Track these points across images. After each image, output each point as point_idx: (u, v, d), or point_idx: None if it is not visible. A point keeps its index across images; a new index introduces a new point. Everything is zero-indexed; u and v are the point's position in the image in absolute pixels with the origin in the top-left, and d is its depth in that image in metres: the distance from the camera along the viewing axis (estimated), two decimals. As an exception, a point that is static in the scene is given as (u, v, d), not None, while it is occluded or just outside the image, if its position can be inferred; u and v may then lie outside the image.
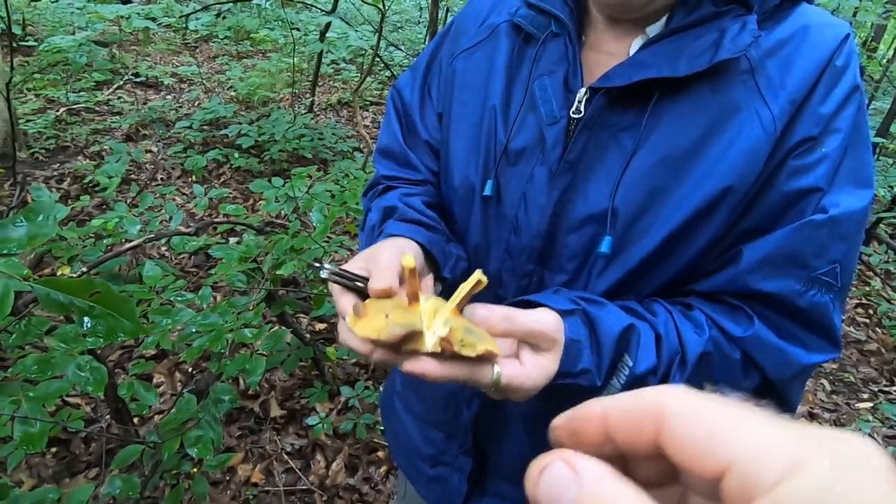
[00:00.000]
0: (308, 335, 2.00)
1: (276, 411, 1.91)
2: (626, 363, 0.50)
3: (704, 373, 0.53)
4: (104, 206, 2.68)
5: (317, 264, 0.48)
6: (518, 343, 0.47)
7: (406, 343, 0.42)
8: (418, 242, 0.56)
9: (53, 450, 1.66)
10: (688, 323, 0.54)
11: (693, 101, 0.53)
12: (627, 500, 0.16)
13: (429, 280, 0.57)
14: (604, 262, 0.57)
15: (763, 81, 0.52)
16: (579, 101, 0.56)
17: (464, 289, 0.43)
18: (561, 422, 0.22)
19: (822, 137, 0.51)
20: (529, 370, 0.45)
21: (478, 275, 0.43)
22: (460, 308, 0.44)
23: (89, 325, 0.54)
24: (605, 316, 0.51)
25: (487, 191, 0.61)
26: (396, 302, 0.45)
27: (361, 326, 0.43)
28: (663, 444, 0.18)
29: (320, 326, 2.30)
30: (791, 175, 0.52)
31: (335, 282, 0.48)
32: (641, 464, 0.19)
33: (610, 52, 0.59)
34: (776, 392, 0.55)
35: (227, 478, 1.69)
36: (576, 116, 0.56)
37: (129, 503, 1.23)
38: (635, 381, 0.50)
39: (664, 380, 0.51)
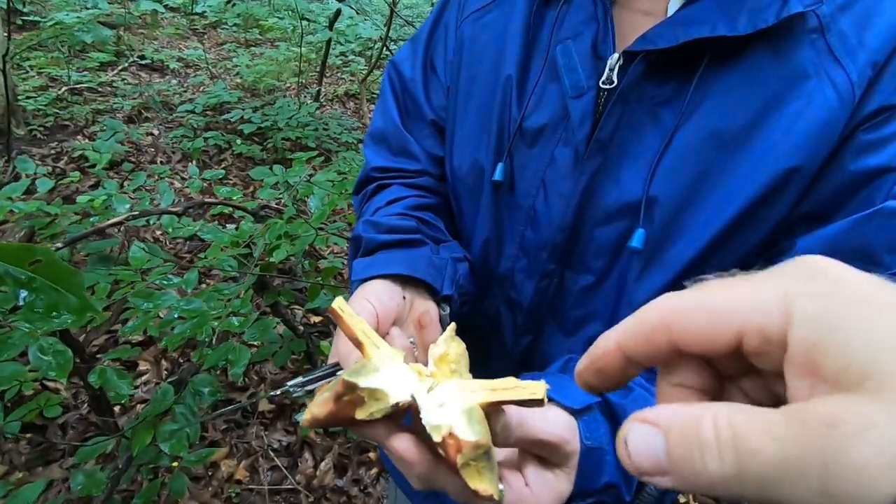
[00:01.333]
0: (302, 327, 1.91)
1: (264, 405, 1.83)
2: None
3: None
4: (98, 186, 2.60)
5: (280, 391, 0.38)
6: (521, 452, 0.36)
7: (358, 409, 0.30)
8: (392, 275, 0.47)
9: (28, 436, 1.58)
10: None
11: (749, 68, 0.44)
12: (709, 417, 0.17)
13: (423, 308, 0.46)
14: (640, 262, 0.47)
15: (836, 41, 0.43)
16: (611, 69, 0.47)
17: (516, 391, 0.30)
18: (582, 367, 0.24)
19: None
20: (537, 494, 0.35)
21: (540, 389, 0.30)
22: (493, 406, 0.31)
23: (25, 298, 0.46)
24: (633, 409, 0.38)
25: (497, 175, 0.52)
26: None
27: (308, 409, 0.32)
28: (682, 347, 0.20)
29: (315, 319, 2.22)
30: (861, 151, 0.43)
31: (309, 392, 0.39)
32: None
33: (645, 10, 0.50)
34: None
35: (210, 473, 1.61)
36: (606, 87, 0.47)
37: (101, 497, 1.15)
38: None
39: None
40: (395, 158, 0.63)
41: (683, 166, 0.45)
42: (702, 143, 0.44)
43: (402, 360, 0.33)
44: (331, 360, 0.41)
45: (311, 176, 1.73)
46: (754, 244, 0.46)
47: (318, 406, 0.30)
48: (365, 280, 0.47)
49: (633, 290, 0.48)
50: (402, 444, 0.30)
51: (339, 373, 0.36)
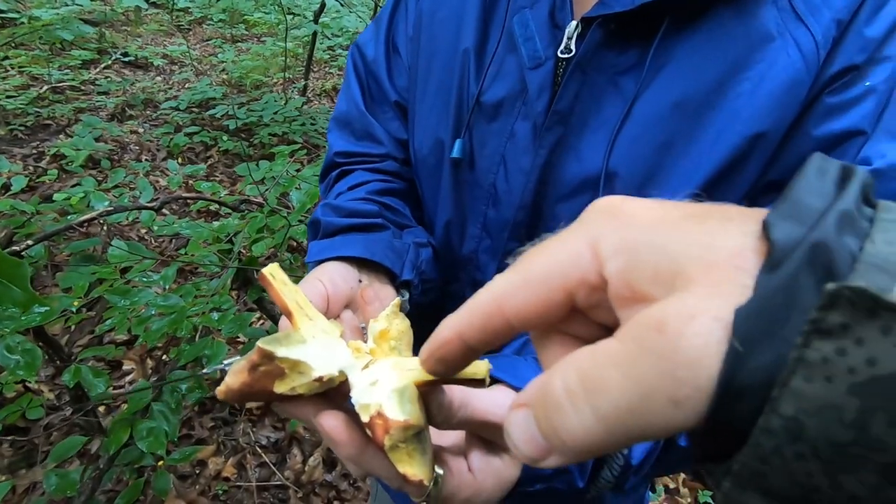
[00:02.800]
0: (288, 323, 1.90)
1: (251, 402, 1.82)
2: (620, 451, 0.38)
3: None
4: (78, 185, 2.56)
5: (214, 368, 0.36)
6: (468, 436, 0.35)
7: (277, 381, 0.27)
8: (348, 258, 0.45)
9: (10, 438, 1.56)
10: None
11: (711, 31, 0.43)
12: (558, 373, 0.17)
13: (374, 291, 0.44)
14: None
15: (800, 1, 0.42)
16: (569, 38, 0.46)
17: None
18: (425, 356, 0.23)
19: (866, 67, 0.41)
20: (480, 480, 0.33)
21: (481, 368, 0.28)
22: (430, 385, 0.28)
23: (-34, 291, 0.44)
24: None
25: (455, 152, 0.51)
26: None
27: (224, 380, 0.29)
28: (521, 326, 0.20)
29: (303, 315, 2.20)
30: (825, 115, 0.41)
31: None
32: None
33: None
34: None
35: (197, 471, 1.60)
36: (564, 56, 0.46)
37: (81, 497, 1.14)
38: (630, 473, 0.38)
39: (668, 447, 0.39)
40: (358, 143, 0.61)
41: (645, 136, 0.44)
42: (663, 112, 0.43)
43: (338, 334, 0.31)
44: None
45: (297, 171, 1.71)
46: None
47: (233, 376, 0.27)
48: (320, 262, 0.45)
49: None
50: (331, 423, 0.28)
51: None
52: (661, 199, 0.19)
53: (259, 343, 0.27)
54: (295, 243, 2.47)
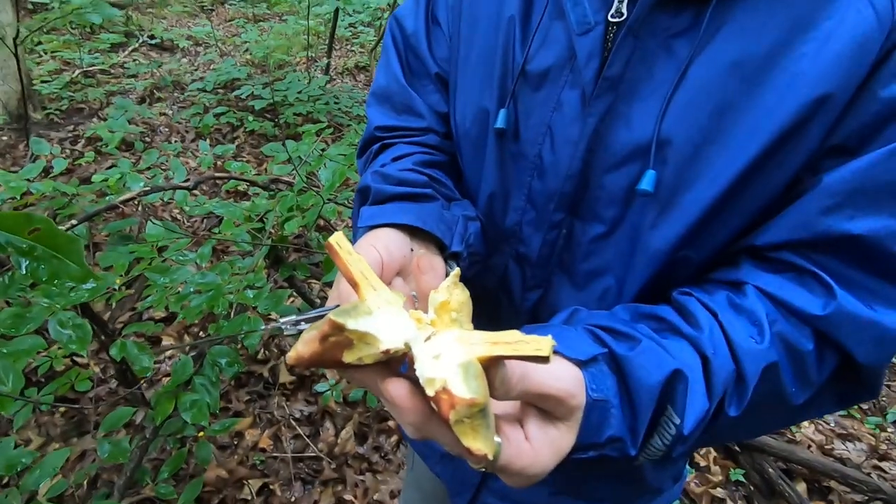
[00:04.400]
0: (318, 301, 1.93)
1: (285, 377, 1.87)
2: (671, 419, 0.37)
3: (766, 387, 0.40)
4: (114, 167, 2.63)
5: (278, 323, 0.37)
6: (523, 405, 0.35)
7: (346, 351, 0.28)
8: (400, 225, 0.45)
9: (62, 409, 1.65)
10: (739, 323, 0.40)
11: None
12: None
13: (429, 261, 0.44)
14: (655, 208, 0.44)
15: None
16: (620, 1, 0.44)
17: (519, 345, 0.28)
18: None
19: None
20: (537, 449, 0.33)
21: (545, 345, 0.27)
22: (493, 359, 0.28)
23: (27, 266, 0.46)
24: (640, 361, 0.37)
25: (500, 122, 0.49)
26: None
27: (294, 347, 0.30)
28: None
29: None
30: (894, 75, 0.38)
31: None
32: None
33: None
34: (858, 376, 0.41)
35: (235, 442, 1.66)
36: (615, 20, 0.44)
37: (130, 464, 1.20)
38: (680, 442, 0.38)
39: (717, 415, 0.39)
40: (399, 117, 0.60)
41: (700, 101, 0.41)
42: (720, 75, 0.41)
43: (401, 305, 0.31)
44: (330, 302, 0.40)
45: (323, 150, 1.73)
46: (781, 184, 0.42)
47: (304, 344, 0.28)
48: (372, 228, 0.45)
49: (649, 239, 0.45)
50: (397, 391, 0.29)
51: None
52: None
53: (330, 315, 0.27)
54: (323, 221, 2.49)
